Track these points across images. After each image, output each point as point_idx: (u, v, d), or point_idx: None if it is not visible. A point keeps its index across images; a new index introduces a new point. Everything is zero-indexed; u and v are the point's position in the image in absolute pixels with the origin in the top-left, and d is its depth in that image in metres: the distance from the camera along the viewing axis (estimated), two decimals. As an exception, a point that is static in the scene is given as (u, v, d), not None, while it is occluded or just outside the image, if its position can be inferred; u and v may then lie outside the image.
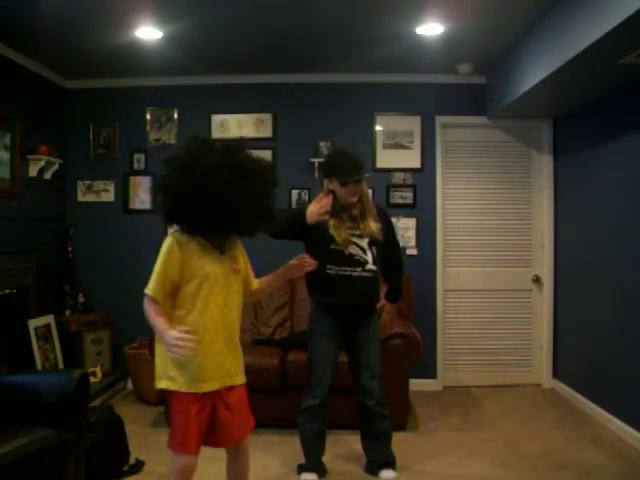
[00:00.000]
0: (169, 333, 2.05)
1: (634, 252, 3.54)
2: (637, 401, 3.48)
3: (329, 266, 2.91)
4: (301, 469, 3.09)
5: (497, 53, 4.19)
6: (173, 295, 2.19)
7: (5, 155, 3.93)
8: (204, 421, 2.20)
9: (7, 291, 3.93)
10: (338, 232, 2.91)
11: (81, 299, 4.71)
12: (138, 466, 3.16)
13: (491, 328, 4.82)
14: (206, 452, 2.30)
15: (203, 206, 2.09)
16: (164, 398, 3.76)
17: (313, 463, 3.08)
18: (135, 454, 3.22)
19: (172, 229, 2.28)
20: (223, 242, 2.28)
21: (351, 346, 3.05)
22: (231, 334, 2.26)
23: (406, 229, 4.71)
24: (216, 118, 4.78)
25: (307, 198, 4.74)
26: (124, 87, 4.82)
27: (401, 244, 3.31)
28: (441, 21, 3.57)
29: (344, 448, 3.46)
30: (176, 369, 2.15)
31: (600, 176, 4.00)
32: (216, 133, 4.72)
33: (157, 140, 4.85)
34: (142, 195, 4.83)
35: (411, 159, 4.76)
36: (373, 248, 2.97)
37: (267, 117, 4.80)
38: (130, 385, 4.62)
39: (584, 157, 4.25)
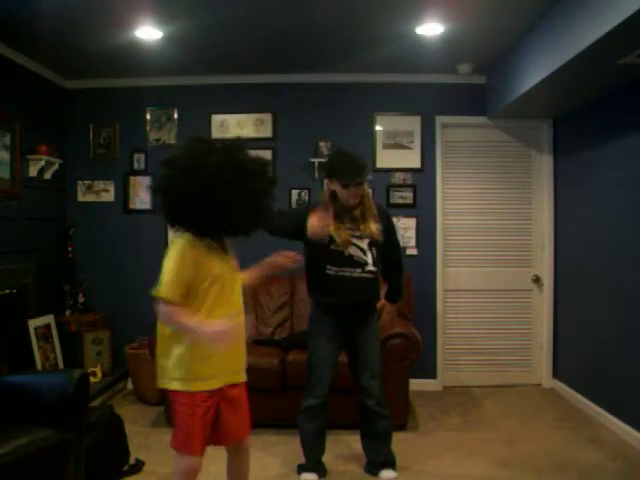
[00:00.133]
0: (210, 327, 2.04)
1: (634, 252, 3.54)
2: (637, 401, 3.48)
3: (329, 267, 2.91)
4: (301, 469, 3.09)
5: (497, 53, 4.19)
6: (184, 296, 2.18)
7: (5, 155, 3.93)
8: (209, 421, 2.19)
9: (7, 291, 3.93)
10: (338, 233, 2.91)
11: (81, 299, 4.71)
12: (138, 466, 3.16)
13: (491, 328, 4.82)
14: (207, 452, 2.29)
15: (206, 206, 2.09)
16: (164, 398, 3.76)
17: (313, 463, 3.08)
18: (135, 454, 3.22)
19: (174, 230, 2.26)
20: (223, 241, 2.29)
21: (351, 346, 3.06)
22: (237, 332, 2.26)
23: (406, 229, 4.71)
24: (216, 118, 4.78)
25: (307, 198, 4.75)
26: (124, 87, 4.82)
27: (401, 244, 3.30)
28: (441, 21, 3.57)
29: (344, 448, 3.46)
30: (187, 369, 2.14)
31: (600, 176, 4.00)
32: (216, 133, 4.72)
33: (157, 140, 4.85)
34: (142, 195, 4.83)
35: (411, 159, 4.76)
36: (373, 249, 2.97)
37: (267, 117, 4.80)
38: (130, 385, 4.62)
39: (584, 157, 4.25)
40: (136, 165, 4.85)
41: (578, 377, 4.36)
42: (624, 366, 3.64)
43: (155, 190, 2.18)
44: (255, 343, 4.09)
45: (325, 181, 3.09)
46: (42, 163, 4.32)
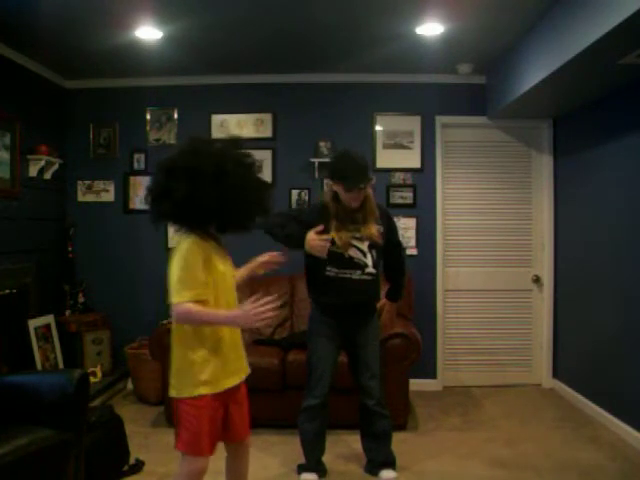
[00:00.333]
0: (243, 310, 2.05)
1: (634, 252, 3.54)
2: (637, 401, 3.48)
3: (329, 268, 2.91)
4: (301, 469, 3.09)
5: (497, 53, 4.19)
6: None
7: (5, 155, 3.93)
8: (219, 421, 2.18)
9: (7, 291, 3.93)
10: (339, 235, 2.90)
11: (81, 299, 4.71)
12: (138, 466, 3.16)
13: (491, 328, 4.82)
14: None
15: (208, 204, 2.08)
16: (164, 398, 3.76)
17: (313, 463, 3.08)
18: (135, 454, 3.22)
19: (178, 232, 2.25)
20: (220, 239, 2.29)
21: (351, 346, 3.06)
22: (237, 330, 2.27)
23: (406, 229, 4.71)
24: (216, 118, 4.78)
25: (307, 198, 4.75)
26: (124, 87, 4.82)
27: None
28: (441, 21, 3.57)
29: (344, 448, 3.46)
30: (206, 372, 2.12)
31: (600, 176, 4.00)
32: (216, 133, 4.72)
33: (157, 140, 4.85)
34: (142, 195, 4.81)
35: (411, 159, 4.76)
36: (373, 251, 2.97)
37: (267, 117, 4.80)
38: (130, 385, 4.62)
39: (584, 157, 4.26)
40: (136, 165, 4.85)
41: (578, 377, 4.36)
42: (624, 366, 3.64)
43: (154, 193, 2.15)
44: (255, 343, 4.09)
45: (327, 181, 3.09)
46: (42, 163, 4.32)
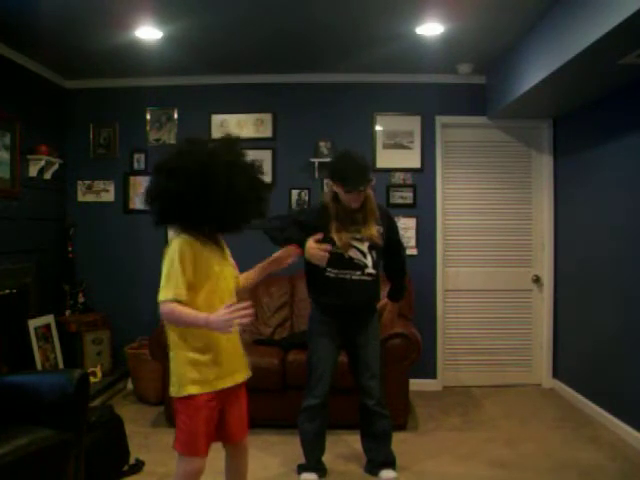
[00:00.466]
0: (217, 315, 2.00)
1: (634, 252, 3.54)
2: (637, 401, 3.48)
3: (329, 269, 2.91)
4: (301, 469, 3.09)
5: (497, 53, 4.19)
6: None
7: (5, 155, 3.93)
8: (214, 422, 2.18)
9: (7, 291, 3.93)
10: (339, 236, 2.90)
11: (81, 299, 4.71)
12: (138, 466, 3.16)
13: (491, 328, 4.82)
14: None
15: (199, 203, 2.08)
16: (164, 398, 3.77)
17: (313, 463, 3.08)
18: (135, 454, 3.22)
19: (173, 231, 2.26)
20: (217, 238, 2.28)
21: (351, 346, 3.06)
22: (236, 331, 2.26)
23: (406, 229, 4.70)
24: (216, 118, 4.78)
25: (307, 198, 4.75)
26: (124, 87, 4.82)
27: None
28: (441, 21, 3.57)
29: (344, 448, 3.46)
30: (196, 371, 2.12)
31: (600, 176, 4.00)
32: (216, 133, 4.72)
33: (157, 140, 4.85)
34: (142, 195, 4.82)
35: (411, 159, 4.76)
36: (373, 252, 2.97)
37: (267, 117, 4.80)
38: (130, 385, 4.62)
39: (584, 157, 4.26)
40: (136, 165, 4.85)
41: (578, 377, 4.36)
42: (624, 366, 3.64)
43: (147, 193, 2.16)
44: (255, 343, 4.10)
45: (327, 181, 3.09)
46: (42, 163, 4.32)
